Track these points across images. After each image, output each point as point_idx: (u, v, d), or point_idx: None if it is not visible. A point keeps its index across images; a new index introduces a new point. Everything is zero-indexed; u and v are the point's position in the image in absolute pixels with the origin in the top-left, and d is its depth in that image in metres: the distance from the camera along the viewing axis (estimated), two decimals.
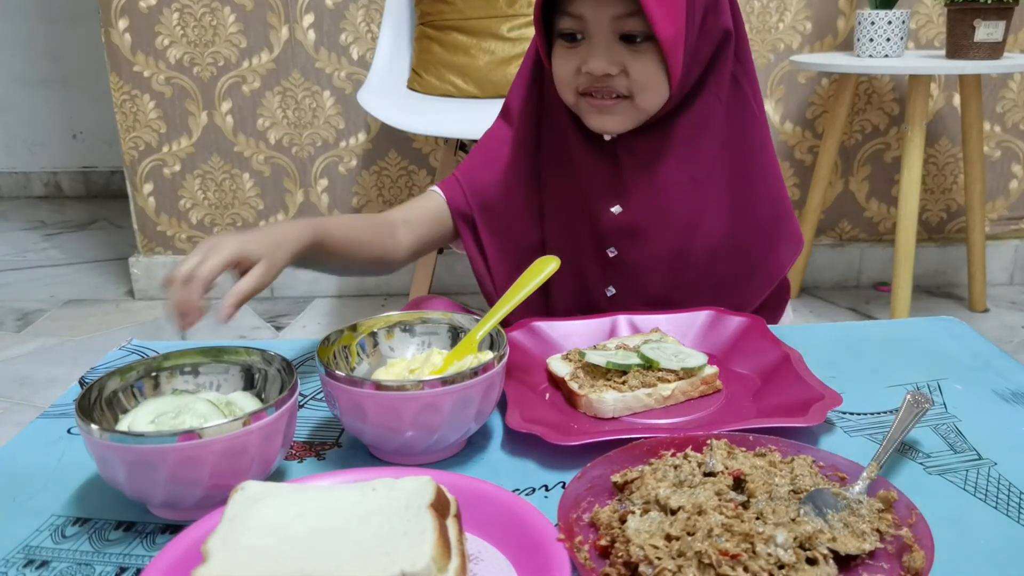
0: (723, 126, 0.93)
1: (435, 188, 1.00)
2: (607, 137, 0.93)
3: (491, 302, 1.01)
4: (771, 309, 1.02)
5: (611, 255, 0.97)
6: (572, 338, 0.89)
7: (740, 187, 0.95)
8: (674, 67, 0.85)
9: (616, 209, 0.95)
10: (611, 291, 0.98)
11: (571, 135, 0.95)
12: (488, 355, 0.73)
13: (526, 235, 1.00)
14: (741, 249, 0.96)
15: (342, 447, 0.74)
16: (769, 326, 0.90)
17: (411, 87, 2.10)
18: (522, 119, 0.98)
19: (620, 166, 0.94)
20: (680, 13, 0.83)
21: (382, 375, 0.74)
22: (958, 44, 2.03)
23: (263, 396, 0.71)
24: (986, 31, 1.98)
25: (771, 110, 2.42)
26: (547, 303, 1.01)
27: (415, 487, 0.56)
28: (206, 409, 0.67)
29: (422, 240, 0.97)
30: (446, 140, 2.03)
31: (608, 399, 0.75)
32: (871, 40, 2.08)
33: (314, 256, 0.83)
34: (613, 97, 0.88)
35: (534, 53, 0.96)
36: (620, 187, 0.94)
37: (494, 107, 1.07)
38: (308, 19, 2.34)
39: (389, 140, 2.44)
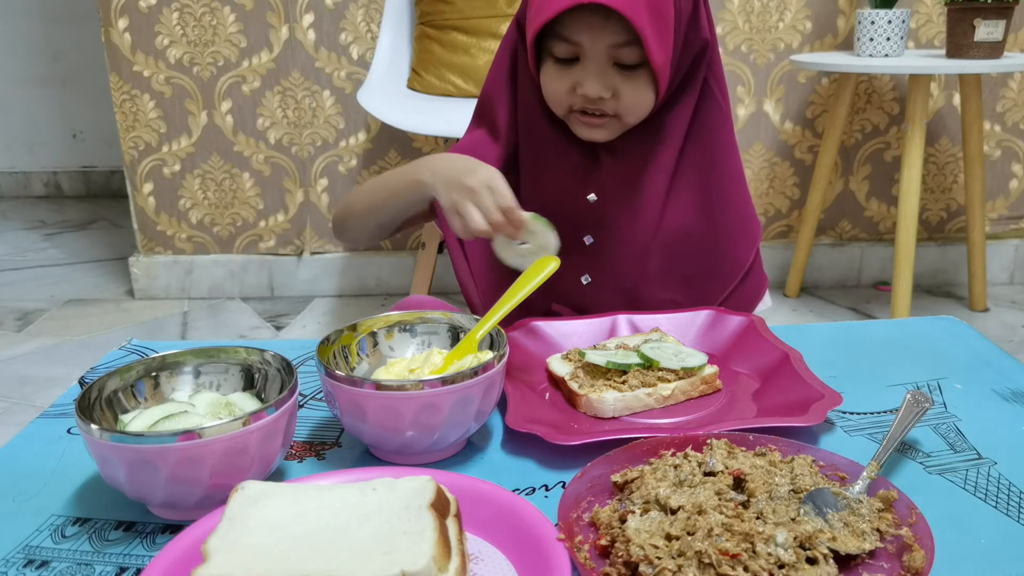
0: (694, 124, 0.96)
1: None
2: None
3: (471, 301, 1.03)
4: (747, 298, 1.03)
5: (588, 243, 0.99)
6: (572, 338, 0.89)
7: (707, 181, 0.98)
8: (663, 87, 0.90)
9: (592, 197, 0.97)
10: (586, 279, 1.00)
11: (547, 127, 0.97)
12: (488, 355, 0.73)
13: None
14: (708, 241, 0.99)
15: (342, 447, 0.74)
16: (770, 326, 0.90)
17: (411, 87, 2.10)
18: (500, 114, 1.00)
19: (596, 156, 0.97)
20: (670, 38, 0.87)
21: (382, 375, 0.74)
22: (958, 43, 2.03)
23: (263, 396, 0.71)
24: (986, 30, 1.98)
25: (771, 109, 2.42)
26: None
27: (415, 487, 0.56)
28: (206, 411, 0.67)
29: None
30: (446, 139, 2.03)
31: (608, 399, 0.75)
32: (871, 39, 2.08)
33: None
34: (602, 115, 0.91)
35: (509, 49, 0.98)
36: (596, 176, 0.97)
37: None
38: (308, 19, 2.34)
39: (389, 140, 2.44)
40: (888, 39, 2.07)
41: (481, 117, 1.02)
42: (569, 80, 0.90)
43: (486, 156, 0.99)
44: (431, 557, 0.49)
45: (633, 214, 0.97)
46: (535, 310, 0.98)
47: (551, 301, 0.99)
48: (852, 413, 0.77)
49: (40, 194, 3.95)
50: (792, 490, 0.59)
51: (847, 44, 2.35)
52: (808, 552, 0.53)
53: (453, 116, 1.90)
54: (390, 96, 2.02)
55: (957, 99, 2.40)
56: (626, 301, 0.97)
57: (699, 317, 0.92)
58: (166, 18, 2.34)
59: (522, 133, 0.99)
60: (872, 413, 0.77)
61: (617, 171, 0.96)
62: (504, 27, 2.01)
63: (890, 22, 2.06)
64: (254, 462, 0.62)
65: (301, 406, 0.79)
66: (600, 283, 0.99)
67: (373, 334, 0.78)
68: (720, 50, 2.33)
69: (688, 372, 0.79)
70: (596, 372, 0.79)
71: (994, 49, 2.00)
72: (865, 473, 0.61)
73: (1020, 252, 2.57)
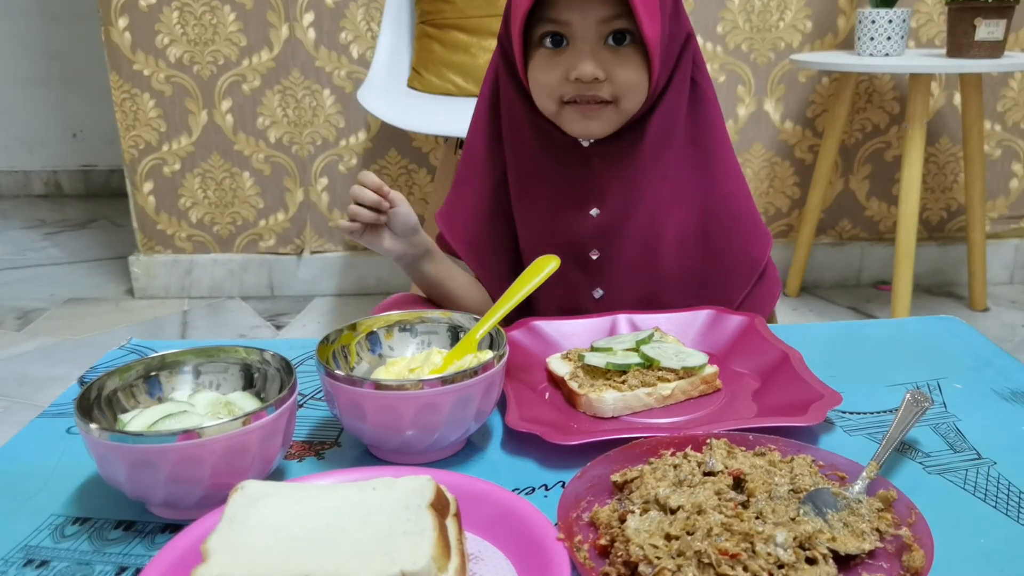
0: (686, 123, 0.96)
1: None
2: (585, 143, 0.94)
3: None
4: (763, 301, 1.02)
5: (594, 257, 0.98)
6: (572, 337, 0.89)
7: (704, 179, 0.98)
8: (655, 67, 0.88)
9: (594, 211, 0.96)
10: (599, 293, 0.99)
11: (536, 150, 0.96)
12: (488, 354, 0.73)
13: (510, 262, 1.04)
14: (715, 240, 0.98)
15: (342, 446, 0.74)
16: (770, 325, 0.90)
17: (411, 86, 2.10)
18: (487, 149, 1.00)
19: (593, 170, 0.95)
20: (657, 14, 0.87)
21: (382, 374, 0.74)
22: (959, 43, 2.03)
23: (263, 395, 0.71)
24: (987, 30, 1.98)
25: (771, 109, 2.42)
26: (531, 313, 1.01)
27: (415, 486, 0.56)
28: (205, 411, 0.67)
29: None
30: (446, 139, 2.03)
31: (608, 398, 0.75)
32: (871, 39, 2.08)
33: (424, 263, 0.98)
34: (597, 103, 0.89)
35: (491, 81, 0.99)
36: (595, 190, 0.96)
37: None
38: (308, 18, 2.34)
39: (389, 139, 2.44)
40: (888, 38, 2.07)
41: (469, 160, 1.02)
42: (561, 67, 0.88)
43: (473, 187, 1.01)
44: (431, 557, 0.49)
45: (636, 221, 0.96)
46: None
47: (569, 315, 0.99)
48: (852, 413, 0.77)
49: (40, 193, 3.95)
50: (792, 490, 0.59)
51: (847, 43, 2.35)
52: (807, 552, 0.53)
53: (453, 115, 1.90)
54: (390, 95, 2.02)
55: (957, 98, 2.40)
56: (644, 309, 0.96)
57: (699, 317, 0.91)
58: (166, 17, 2.33)
59: (511, 160, 0.98)
60: (872, 413, 0.77)
61: (615, 180, 0.95)
62: None
63: (890, 21, 2.05)
64: (254, 462, 0.62)
65: (301, 406, 0.79)
66: (614, 294, 0.99)
67: (373, 333, 0.78)
68: (719, 49, 2.34)
69: (688, 372, 0.79)
70: (596, 372, 0.79)
71: (994, 48, 2.00)
72: (865, 473, 0.61)
73: (1020, 252, 2.56)
